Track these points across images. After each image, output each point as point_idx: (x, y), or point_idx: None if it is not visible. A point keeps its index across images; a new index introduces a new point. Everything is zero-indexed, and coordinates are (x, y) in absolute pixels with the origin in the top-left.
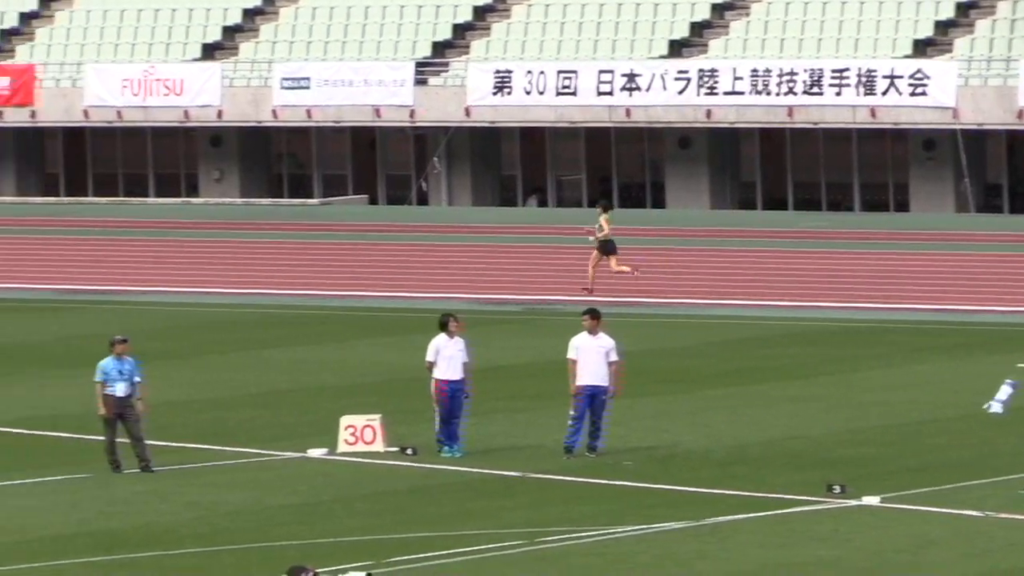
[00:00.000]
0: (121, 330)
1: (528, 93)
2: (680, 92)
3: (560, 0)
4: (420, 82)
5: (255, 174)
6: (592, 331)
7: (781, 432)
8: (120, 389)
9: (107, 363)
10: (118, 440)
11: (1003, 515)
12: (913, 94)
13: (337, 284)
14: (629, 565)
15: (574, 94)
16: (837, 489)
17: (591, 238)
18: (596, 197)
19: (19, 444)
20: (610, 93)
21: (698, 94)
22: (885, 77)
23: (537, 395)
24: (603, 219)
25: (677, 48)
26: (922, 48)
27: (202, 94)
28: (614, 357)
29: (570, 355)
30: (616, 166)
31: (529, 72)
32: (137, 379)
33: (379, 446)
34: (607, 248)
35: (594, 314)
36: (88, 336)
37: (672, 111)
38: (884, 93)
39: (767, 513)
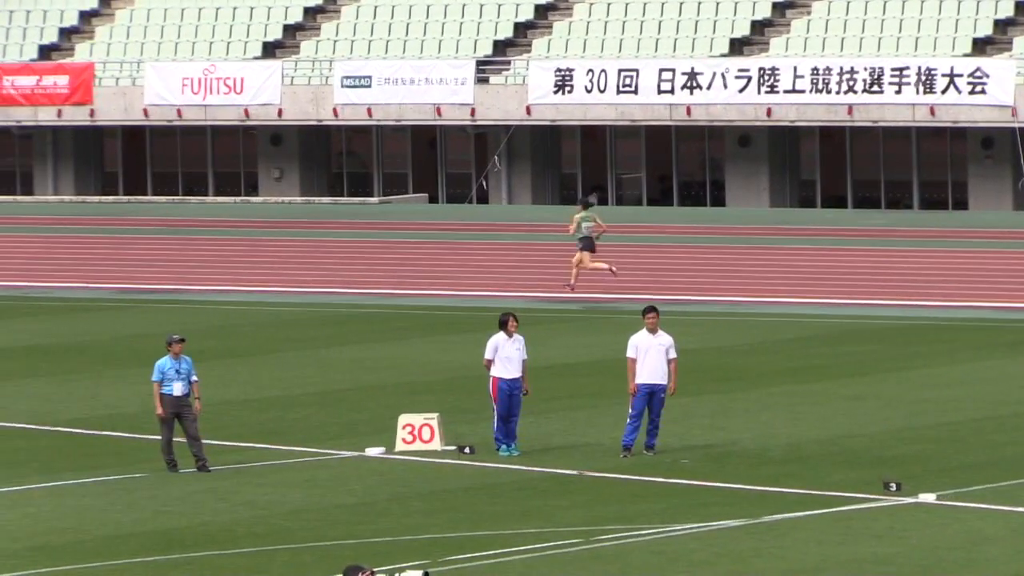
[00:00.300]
0: (179, 329)
1: (589, 91)
2: (741, 90)
3: None
4: (481, 80)
5: (315, 173)
6: (653, 329)
7: (838, 430)
8: (177, 388)
9: (164, 362)
10: (175, 439)
11: None
12: (972, 92)
13: (397, 283)
14: (686, 563)
15: (635, 92)
16: (893, 487)
17: (594, 235)
18: (588, 194)
19: (76, 443)
20: (671, 91)
21: (759, 92)
22: (944, 75)
23: (595, 393)
24: (578, 216)
25: (738, 46)
26: (981, 46)
27: (262, 93)
28: (673, 354)
29: (630, 353)
30: (676, 164)
31: (590, 70)
32: (194, 378)
33: (436, 445)
34: (588, 244)
35: (657, 312)
36: (145, 335)
37: (732, 109)
38: (943, 91)
39: (824, 511)
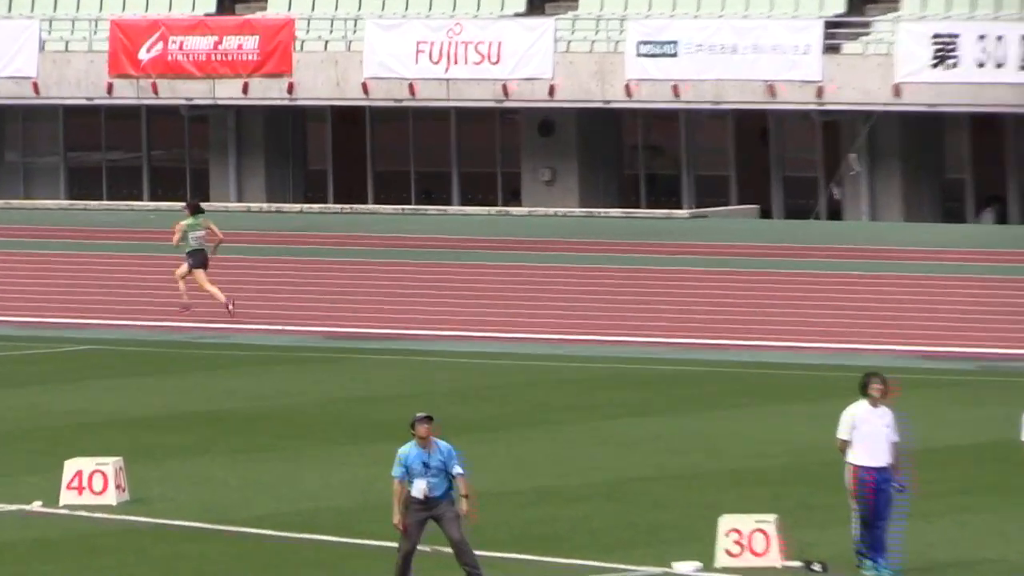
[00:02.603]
0: (411, 393)
1: (981, 66)
2: None
3: None
4: (831, 49)
5: (600, 174)
6: None
7: None
8: (426, 488)
9: (408, 451)
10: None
11: None
12: None
13: (717, 329)
14: None
15: None
16: None
17: (209, 246)
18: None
19: (266, 551)
20: None
21: None
22: None
23: (996, 487)
24: (183, 224)
25: None
26: None
27: (527, 62)
28: None
29: None
30: None
31: (982, 37)
32: (458, 470)
33: (774, 558)
34: (200, 259)
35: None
36: (363, 399)
37: None
38: None
39: None
